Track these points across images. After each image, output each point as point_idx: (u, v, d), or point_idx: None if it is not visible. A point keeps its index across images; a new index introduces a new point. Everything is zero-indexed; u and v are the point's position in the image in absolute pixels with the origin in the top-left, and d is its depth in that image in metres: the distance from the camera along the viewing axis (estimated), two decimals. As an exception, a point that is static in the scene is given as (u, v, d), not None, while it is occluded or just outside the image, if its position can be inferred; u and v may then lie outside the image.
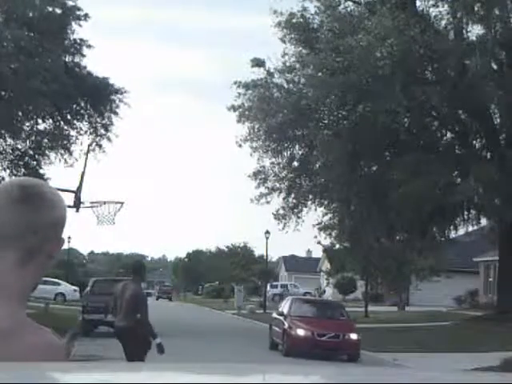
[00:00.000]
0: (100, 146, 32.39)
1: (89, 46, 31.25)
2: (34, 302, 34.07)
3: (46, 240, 2.04)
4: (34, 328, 1.98)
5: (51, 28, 29.15)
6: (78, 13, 30.48)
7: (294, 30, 30.65)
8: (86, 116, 32.58)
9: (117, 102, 32.07)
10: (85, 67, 31.88)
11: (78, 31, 31.07)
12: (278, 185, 33.18)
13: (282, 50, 31.16)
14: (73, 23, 30.67)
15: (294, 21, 30.50)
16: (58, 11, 30.30)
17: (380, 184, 29.24)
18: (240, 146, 31.82)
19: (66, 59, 31.25)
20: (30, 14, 29.04)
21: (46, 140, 31.97)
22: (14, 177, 32.05)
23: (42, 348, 1.94)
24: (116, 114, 32.28)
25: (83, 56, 31.59)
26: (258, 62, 31.43)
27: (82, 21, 30.72)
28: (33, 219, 2.01)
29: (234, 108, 31.48)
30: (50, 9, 30.01)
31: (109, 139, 32.58)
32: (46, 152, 32.10)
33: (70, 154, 31.92)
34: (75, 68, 31.53)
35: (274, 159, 32.86)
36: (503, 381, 2.00)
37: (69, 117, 32.33)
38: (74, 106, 31.78)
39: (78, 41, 31.27)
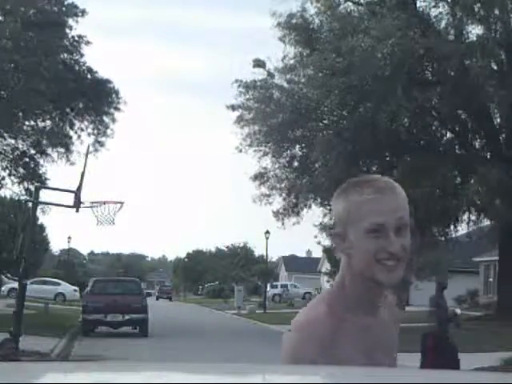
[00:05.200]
0: (100, 145, 32.33)
1: (87, 43, 31.12)
2: (33, 302, 34.04)
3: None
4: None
5: (49, 24, 29.04)
6: (74, 10, 30.38)
7: (293, 31, 30.62)
8: (86, 115, 32.50)
9: (115, 102, 32.00)
10: (84, 64, 31.78)
11: (76, 27, 30.98)
12: (278, 185, 33.15)
13: (283, 50, 31.20)
14: (70, 20, 30.54)
15: (294, 21, 30.48)
16: (55, 8, 30.22)
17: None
18: (240, 151, 31.83)
19: (65, 56, 31.16)
20: (30, 11, 28.96)
21: (45, 139, 31.91)
22: (13, 177, 32.05)
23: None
24: (116, 109, 32.16)
25: (82, 55, 31.51)
26: (259, 63, 31.40)
27: (80, 17, 30.59)
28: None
29: (233, 107, 31.45)
30: (47, 7, 29.96)
31: (108, 136, 32.51)
32: (46, 151, 32.04)
33: (70, 152, 31.87)
34: (74, 65, 31.44)
35: (274, 159, 32.84)
36: (503, 381, 2.00)
37: (68, 116, 32.27)
38: (74, 104, 31.70)
39: (76, 37, 31.15)
